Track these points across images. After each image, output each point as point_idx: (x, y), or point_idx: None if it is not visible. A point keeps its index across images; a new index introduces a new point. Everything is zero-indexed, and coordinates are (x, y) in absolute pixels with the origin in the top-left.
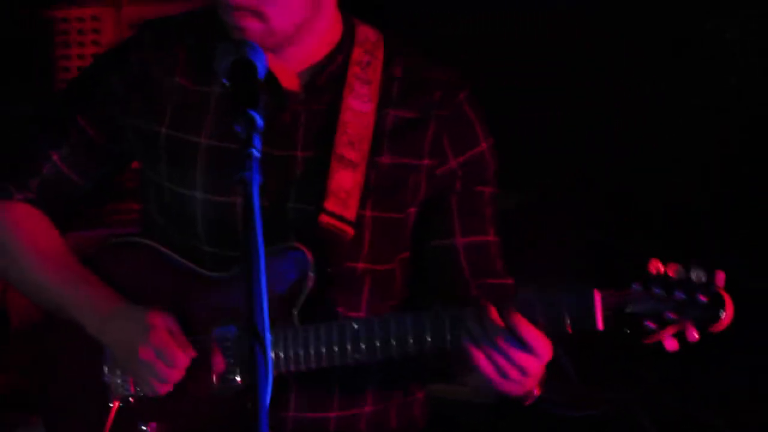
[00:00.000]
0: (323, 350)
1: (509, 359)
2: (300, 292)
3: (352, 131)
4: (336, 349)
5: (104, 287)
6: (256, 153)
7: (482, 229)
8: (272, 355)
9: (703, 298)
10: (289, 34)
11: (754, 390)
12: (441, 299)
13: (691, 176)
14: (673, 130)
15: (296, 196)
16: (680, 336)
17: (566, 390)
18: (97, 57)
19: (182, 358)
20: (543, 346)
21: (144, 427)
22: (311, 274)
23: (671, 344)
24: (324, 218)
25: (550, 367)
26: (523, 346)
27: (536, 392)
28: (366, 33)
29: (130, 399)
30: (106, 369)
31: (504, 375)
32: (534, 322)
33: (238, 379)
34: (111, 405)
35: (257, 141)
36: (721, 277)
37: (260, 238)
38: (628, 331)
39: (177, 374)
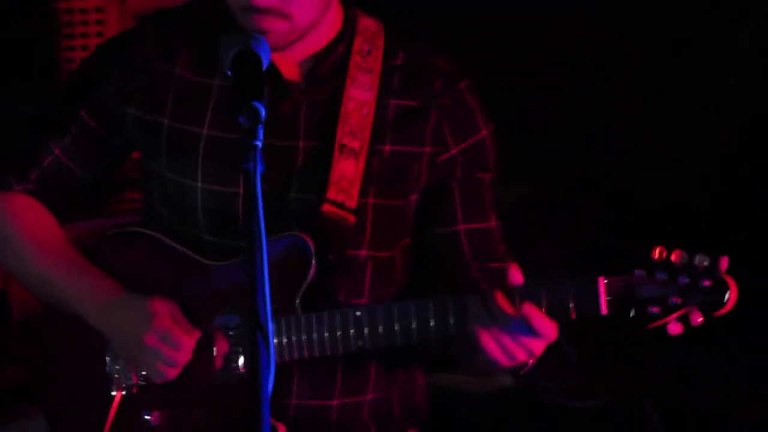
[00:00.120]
0: (326, 337)
1: (518, 342)
2: (302, 280)
3: (353, 120)
4: (339, 336)
5: (105, 278)
6: (259, 144)
7: (484, 215)
8: (275, 342)
9: (706, 283)
10: (306, 30)
11: (757, 379)
12: (442, 284)
13: (691, 176)
14: (673, 130)
15: (298, 186)
16: (684, 320)
17: (568, 379)
18: (97, 48)
19: (187, 340)
20: (549, 330)
21: (147, 417)
22: (313, 262)
23: (675, 328)
24: (326, 207)
25: (552, 354)
26: (531, 330)
27: (531, 362)
28: (367, 23)
29: (133, 389)
30: (108, 360)
31: (511, 357)
32: (539, 306)
33: (241, 367)
34: (113, 395)
35: (260, 132)
36: (724, 262)
37: (262, 228)
38: (632, 316)
39: (184, 357)
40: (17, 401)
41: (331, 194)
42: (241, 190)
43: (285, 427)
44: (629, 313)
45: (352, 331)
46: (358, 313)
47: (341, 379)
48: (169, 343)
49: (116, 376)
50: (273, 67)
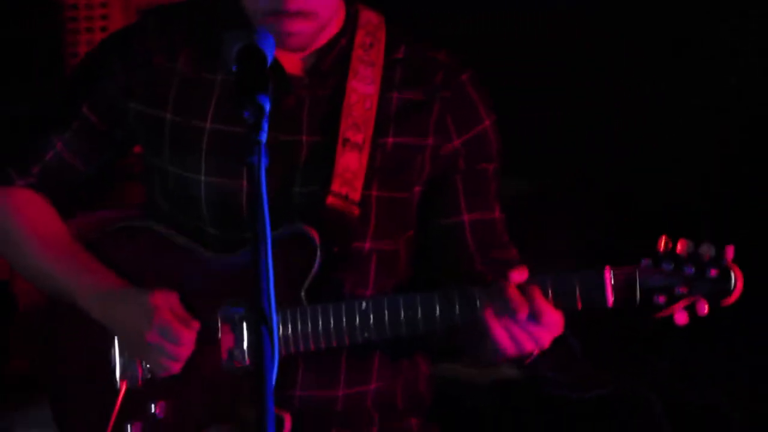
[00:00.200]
0: (332, 329)
1: (526, 331)
2: (307, 273)
3: (356, 113)
4: (344, 327)
5: (107, 272)
6: (263, 140)
7: (487, 206)
8: (280, 335)
9: (713, 272)
10: (324, 27)
11: (760, 376)
12: (446, 276)
13: (691, 176)
14: (673, 130)
15: (302, 180)
16: (690, 309)
17: (573, 371)
18: (99, 43)
19: (187, 333)
20: (558, 322)
21: (152, 408)
22: (318, 255)
23: (681, 318)
24: (330, 199)
25: (557, 346)
26: (540, 321)
27: (536, 352)
28: (368, 16)
29: (138, 381)
30: (113, 352)
31: (519, 345)
32: (545, 295)
33: (245, 358)
34: (119, 387)
35: (265, 127)
36: (730, 251)
37: (267, 222)
38: (638, 306)
39: (186, 350)
40: (24, 392)
41: (335, 187)
42: (245, 184)
43: (290, 417)
44: (635, 303)
45: (357, 322)
46: (363, 305)
47: (345, 369)
48: (170, 338)
49: (121, 368)
50: (276, 63)
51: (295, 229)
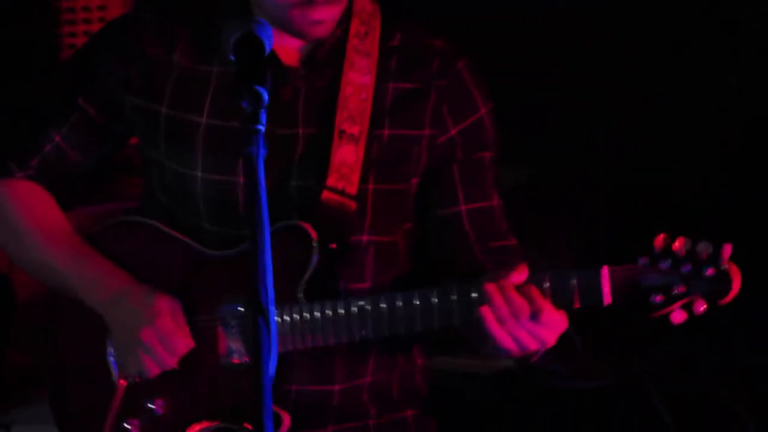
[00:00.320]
0: (329, 328)
1: (530, 333)
2: (304, 271)
3: (352, 105)
4: (342, 327)
5: (110, 266)
6: (262, 129)
7: (485, 195)
8: (277, 331)
9: (710, 272)
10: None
11: (761, 367)
12: (446, 267)
13: (691, 176)
14: (673, 130)
15: (298, 174)
16: (687, 308)
17: (573, 363)
18: (94, 34)
19: (181, 347)
20: (559, 320)
21: (150, 405)
22: (315, 252)
23: (678, 317)
24: (326, 194)
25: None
26: (540, 320)
27: (541, 350)
28: (362, 3)
29: (136, 377)
30: (110, 348)
31: (523, 346)
32: (543, 295)
33: (244, 356)
34: (117, 383)
35: (263, 117)
36: (728, 249)
37: (265, 212)
38: (636, 305)
39: (173, 362)
40: (24, 388)
41: (332, 181)
42: (242, 179)
43: (289, 416)
44: (633, 302)
45: (355, 321)
46: (361, 303)
47: (341, 364)
48: (166, 346)
49: (119, 364)
50: (272, 54)
51: (292, 225)
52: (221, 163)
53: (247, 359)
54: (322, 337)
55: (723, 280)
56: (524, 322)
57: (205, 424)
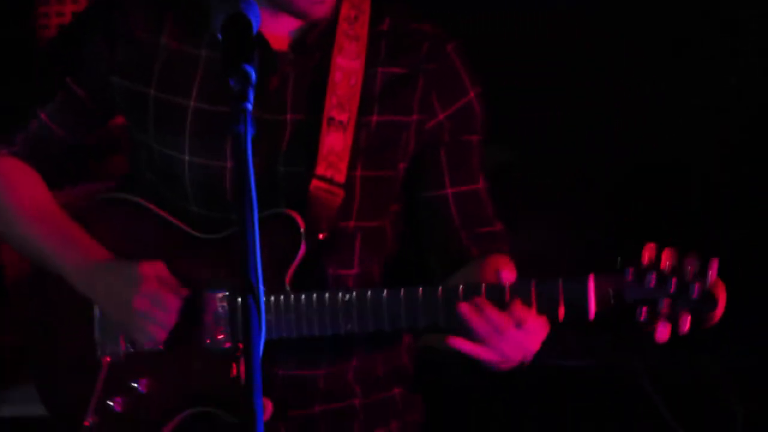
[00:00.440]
0: (315, 320)
1: (515, 343)
2: (291, 259)
3: (341, 91)
4: (328, 319)
5: (92, 243)
6: (249, 107)
7: (471, 178)
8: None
9: (695, 293)
10: None
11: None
12: (433, 253)
13: (691, 176)
14: (673, 130)
15: (286, 160)
16: (672, 327)
17: (562, 342)
18: (80, 14)
19: (174, 300)
20: (541, 327)
21: (134, 384)
22: (303, 241)
23: (662, 335)
24: (315, 183)
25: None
26: (523, 328)
27: (527, 360)
28: None
29: (121, 356)
30: (96, 326)
31: (505, 358)
32: (528, 305)
33: (230, 336)
34: (101, 362)
35: (251, 95)
36: (714, 265)
37: (254, 191)
38: (620, 321)
39: (173, 318)
40: (16, 366)
41: (320, 170)
42: (229, 164)
43: (272, 403)
44: (617, 314)
45: (341, 314)
46: (347, 297)
47: (327, 348)
48: (158, 305)
49: (104, 342)
50: (261, 38)
51: (280, 214)
52: (209, 148)
53: (232, 339)
54: (307, 328)
55: (708, 300)
56: (510, 335)
57: (188, 410)
